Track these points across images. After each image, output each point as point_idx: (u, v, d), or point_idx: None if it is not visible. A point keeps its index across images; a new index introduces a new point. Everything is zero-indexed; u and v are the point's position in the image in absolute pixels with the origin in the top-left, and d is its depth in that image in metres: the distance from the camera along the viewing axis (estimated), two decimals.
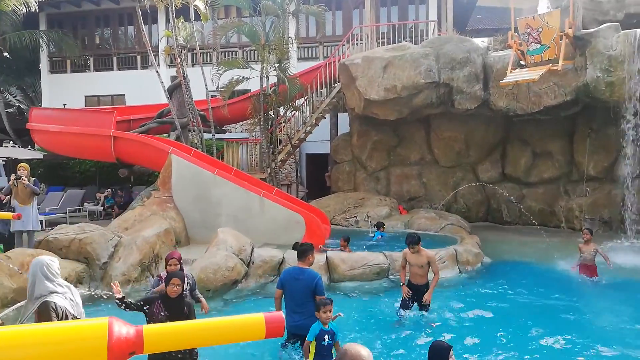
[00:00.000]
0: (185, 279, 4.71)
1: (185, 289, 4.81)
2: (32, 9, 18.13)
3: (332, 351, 4.42)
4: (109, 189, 15.90)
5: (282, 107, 14.58)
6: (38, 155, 16.61)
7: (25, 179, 8.74)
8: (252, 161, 14.99)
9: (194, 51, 17.29)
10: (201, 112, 14.39)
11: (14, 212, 8.22)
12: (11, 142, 18.12)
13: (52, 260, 3.62)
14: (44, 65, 20.69)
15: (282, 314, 1.80)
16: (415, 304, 6.28)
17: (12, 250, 7.63)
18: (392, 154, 14.07)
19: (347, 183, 14.34)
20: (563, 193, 12.48)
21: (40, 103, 21.14)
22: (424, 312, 6.24)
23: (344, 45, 14.76)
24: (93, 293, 6.10)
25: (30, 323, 3.39)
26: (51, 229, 9.06)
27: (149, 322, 4.03)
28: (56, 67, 20.92)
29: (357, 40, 14.48)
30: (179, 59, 13.89)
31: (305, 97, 14.45)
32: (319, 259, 7.61)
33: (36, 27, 19.91)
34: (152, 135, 13.42)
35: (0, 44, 19.14)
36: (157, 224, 9.00)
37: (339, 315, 4.78)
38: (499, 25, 22.30)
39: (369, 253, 8.41)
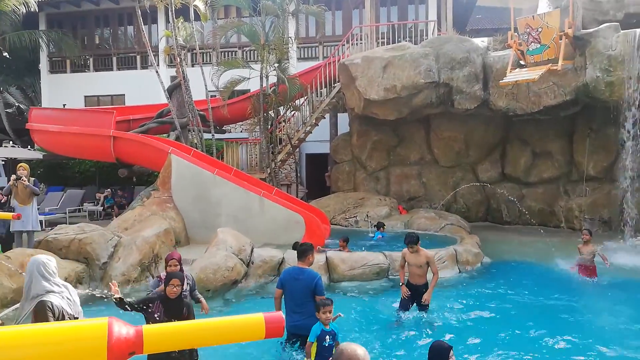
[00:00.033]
0: (185, 279, 4.70)
1: (185, 289, 4.79)
2: (32, 9, 18.13)
3: (334, 352, 4.41)
4: (109, 189, 15.90)
5: (282, 107, 14.58)
6: (38, 155, 16.61)
7: (25, 179, 8.74)
8: (251, 161, 14.98)
9: (194, 51, 17.29)
10: (201, 112, 14.39)
11: (13, 212, 8.22)
12: (11, 142, 18.13)
13: (48, 259, 3.61)
14: (43, 65, 20.68)
15: (281, 314, 1.80)
16: (415, 304, 6.28)
17: (12, 250, 7.63)
18: (391, 154, 14.07)
19: (346, 183, 14.33)
20: (563, 193, 12.48)
21: (39, 103, 21.14)
22: (423, 313, 6.24)
23: (344, 45, 14.76)
24: (93, 293, 6.10)
25: (27, 323, 3.39)
26: (51, 229, 9.06)
27: (148, 323, 4.02)
28: (56, 67, 20.92)
29: (356, 40, 14.48)
30: (178, 59, 13.89)
31: (305, 97, 14.45)
32: (318, 258, 7.61)
33: (36, 27, 19.90)
34: (152, 135, 13.42)
35: (0, 43, 19.17)
36: (156, 224, 9.00)
37: (339, 315, 4.78)
38: (498, 25, 22.32)
39: (368, 253, 8.40)
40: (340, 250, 8.55)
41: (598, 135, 11.69)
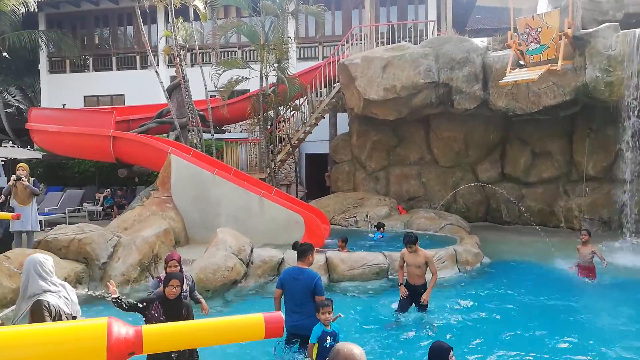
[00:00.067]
0: (185, 280, 4.69)
1: (185, 290, 4.79)
2: (31, 9, 18.12)
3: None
4: (109, 189, 15.90)
5: (282, 107, 14.57)
6: (37, 155, 16.60)
7: (25, 179, 8.73)
8: (251, 161, 14.99)
9: (193, 51, 17.29)
10: (200, 112, 14.39)
11: (13, 212, 8.22)
12: (10, 142, 18.10)
13: (45, 258, 3.59)
14: (43, 65, 20.68)
15: (281, 314, 1.80)
16: (414, 305, 6.27)
17: (11, 250, 7.62)
18: (391, 154, 14.07)
19: (346, 183, 14.34)
20: (562, 193, 12.48)
21: (39, 103, 21.13)
22: (422, 313, 6.23)
23: (344, 45, 14.76)
24: (92, 293, 6.09)
25: (23, 322, 3.38)
26: (50, 229, 9.05)
27: (147, 324, 4.01)
28: (55, 67, 20.91)
29: (356, 40, 14.48)
30: (178, 59, 13.88)
31: (305, 97, 14.45)
32: (318, 259, 7.60)
33: (35, 27, 19.90)
34: (152, 135, 13.42)
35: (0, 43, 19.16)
36: (156, 224, 8.99)
37: (339, 316, 4.77)
38: (498, 25, 22.34)
39: (368, 253, 8.39)
40: (339, 250, 8.55)
41: (598, 135, 11.70)
